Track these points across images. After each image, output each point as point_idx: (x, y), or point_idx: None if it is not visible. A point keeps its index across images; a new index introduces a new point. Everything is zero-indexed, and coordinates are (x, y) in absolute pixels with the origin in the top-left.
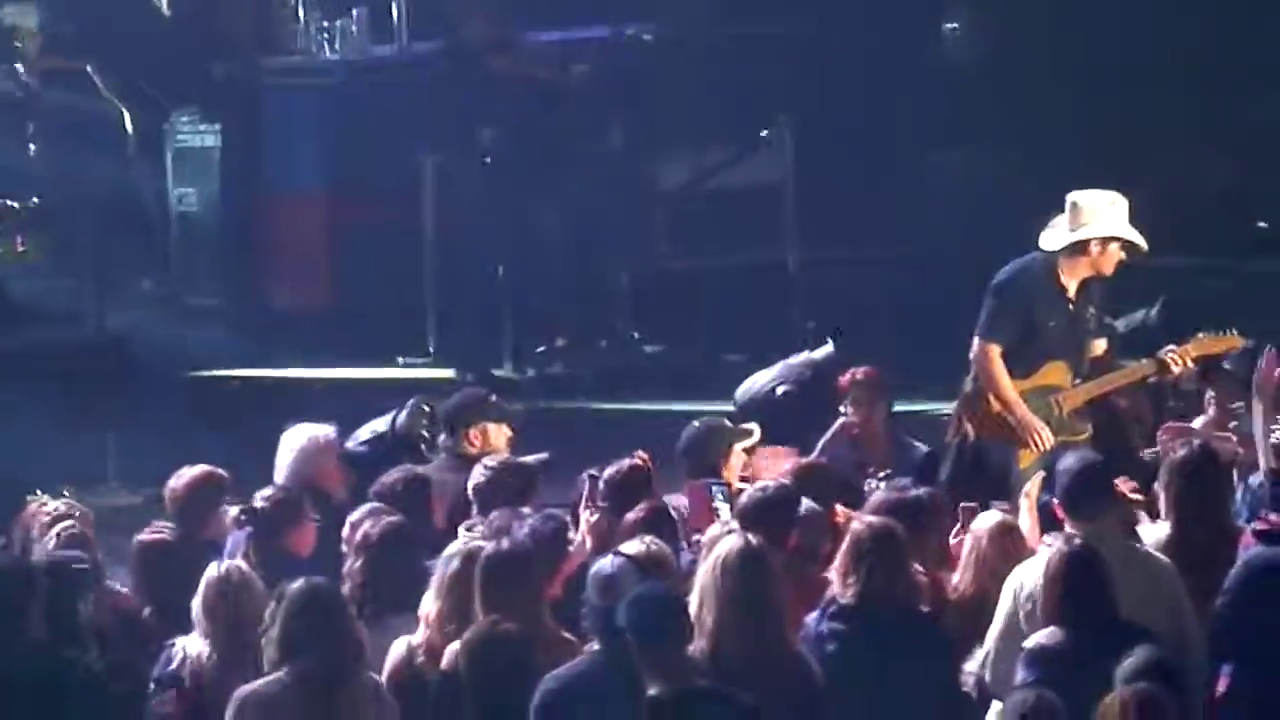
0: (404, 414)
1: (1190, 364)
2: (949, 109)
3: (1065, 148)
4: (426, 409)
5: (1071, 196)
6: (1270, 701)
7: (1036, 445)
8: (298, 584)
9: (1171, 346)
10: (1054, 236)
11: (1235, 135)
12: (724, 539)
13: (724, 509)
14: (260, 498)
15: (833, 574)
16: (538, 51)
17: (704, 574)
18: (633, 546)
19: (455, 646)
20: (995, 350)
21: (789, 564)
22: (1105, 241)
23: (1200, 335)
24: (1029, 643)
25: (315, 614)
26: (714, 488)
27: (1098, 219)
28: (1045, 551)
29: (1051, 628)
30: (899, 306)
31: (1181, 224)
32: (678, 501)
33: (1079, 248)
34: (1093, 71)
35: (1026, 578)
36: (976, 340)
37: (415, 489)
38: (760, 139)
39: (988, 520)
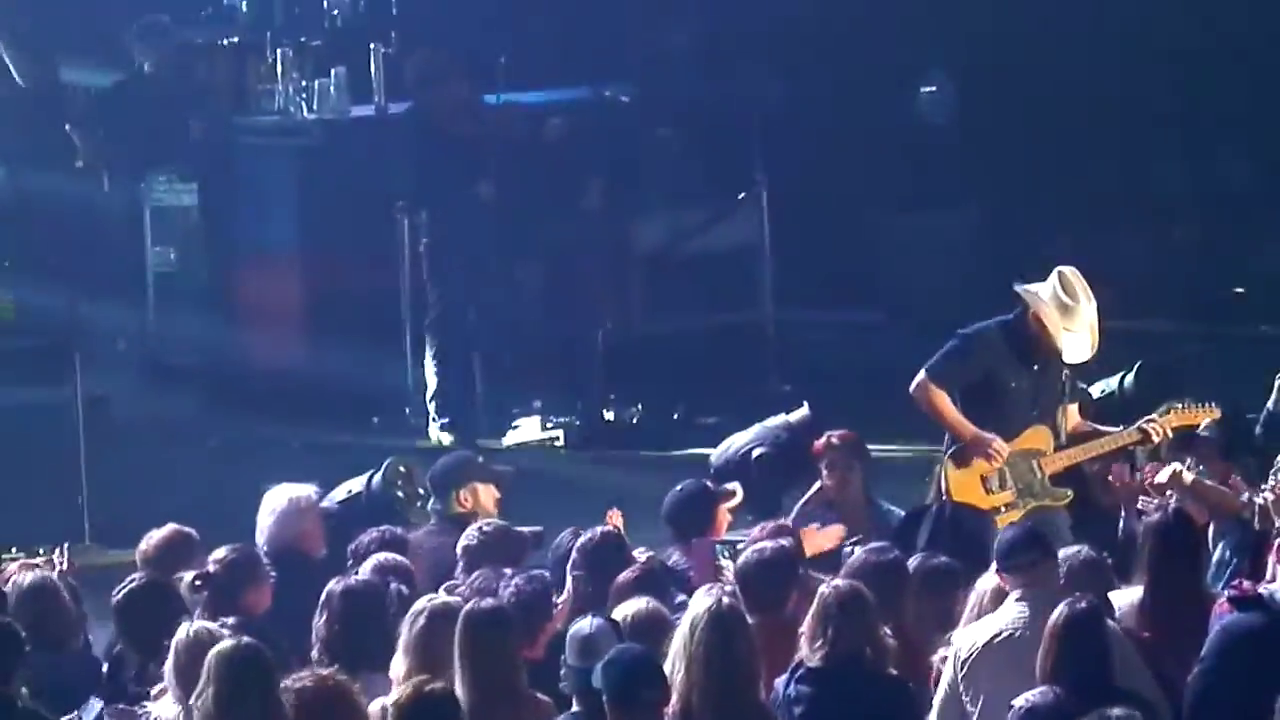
0: (380, 474)
1: (1170, 434)
2: (925, 171)
3: (1041, 211)
4: (403, 470)
5: (1060, 274)
6: None
7: (995, 457)
8: (222, 645)
9: (1153, 416)
10: (1029, 297)
11: (1210, 199)
12: (698, 599)
13: (729, 568)
14: (213, 561)
15: (801, 637)
16: (508, 113)
17: (677, 634)
18: (632, 606)
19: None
20: (939, 391)
21: (787, 626)
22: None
23: (1180, 406)
24: (1019, 700)
25: (237, 675)
26: (718, 547)
27: (1063, 326)
28: (988, 618)
29: (1044, 687)
30: (875, 368)
31: (1158, 287)
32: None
33: (1037, 329)
34: (1067, 134)
35: (964, 642)
36: (923, 375)
37: (390, 549)
38: (737, 201)
39: (991, 580)
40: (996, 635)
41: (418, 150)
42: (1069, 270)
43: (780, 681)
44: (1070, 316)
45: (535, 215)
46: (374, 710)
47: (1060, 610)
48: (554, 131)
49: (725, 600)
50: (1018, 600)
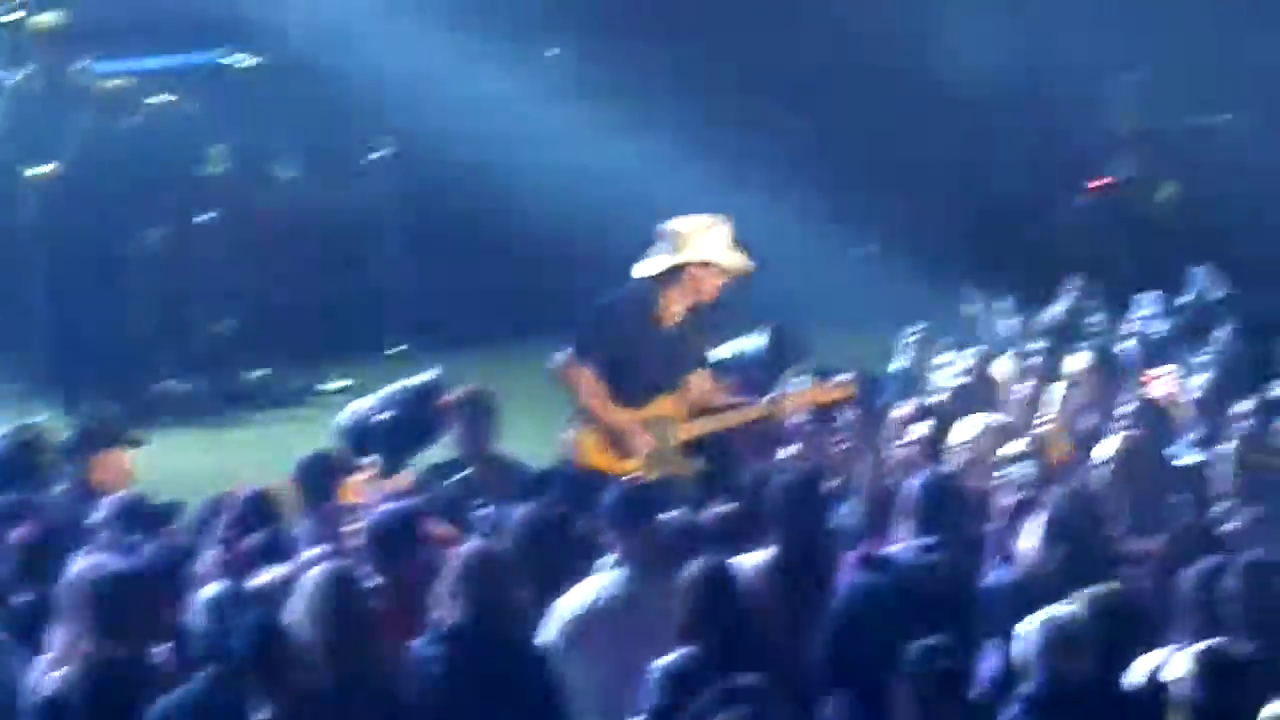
0: (6, 439)
1: (800, 411)
2: (550, 133)
3: (688, 170)
4: (29, 436)
5: (668, 225)
6: None
7: (637, 449)
8: None
9: (789, 390)
10: (651, 264)
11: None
12: (315, 565)
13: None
14: None
15: (439, 597)
16: (128, 82)
17: (297, 597)
18: (269, 573)
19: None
20: (581, 369)
21: (410, 587)
22: (703, 266)
23: (816, 382)
24: (658, 664)
25: None
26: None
27: (694, 244)
28: (582, 585)
29: (681, 649)
30: (508, 328)
31: (783, 248)
32: None
33: (676, 274)
34: (715, 86)
35: (561, 611)
36: (566, 356)
37: (14, 517)
38: (365, 162)
39: None
40: (595, 602)
41: (42, 117)
42: (671, 223)
43: (417, 642)
44: (690, 234)
45: (159, 183)
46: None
47: (693, 568)
48: (179, 97)
49: (341, 562)
50: (616, 564)
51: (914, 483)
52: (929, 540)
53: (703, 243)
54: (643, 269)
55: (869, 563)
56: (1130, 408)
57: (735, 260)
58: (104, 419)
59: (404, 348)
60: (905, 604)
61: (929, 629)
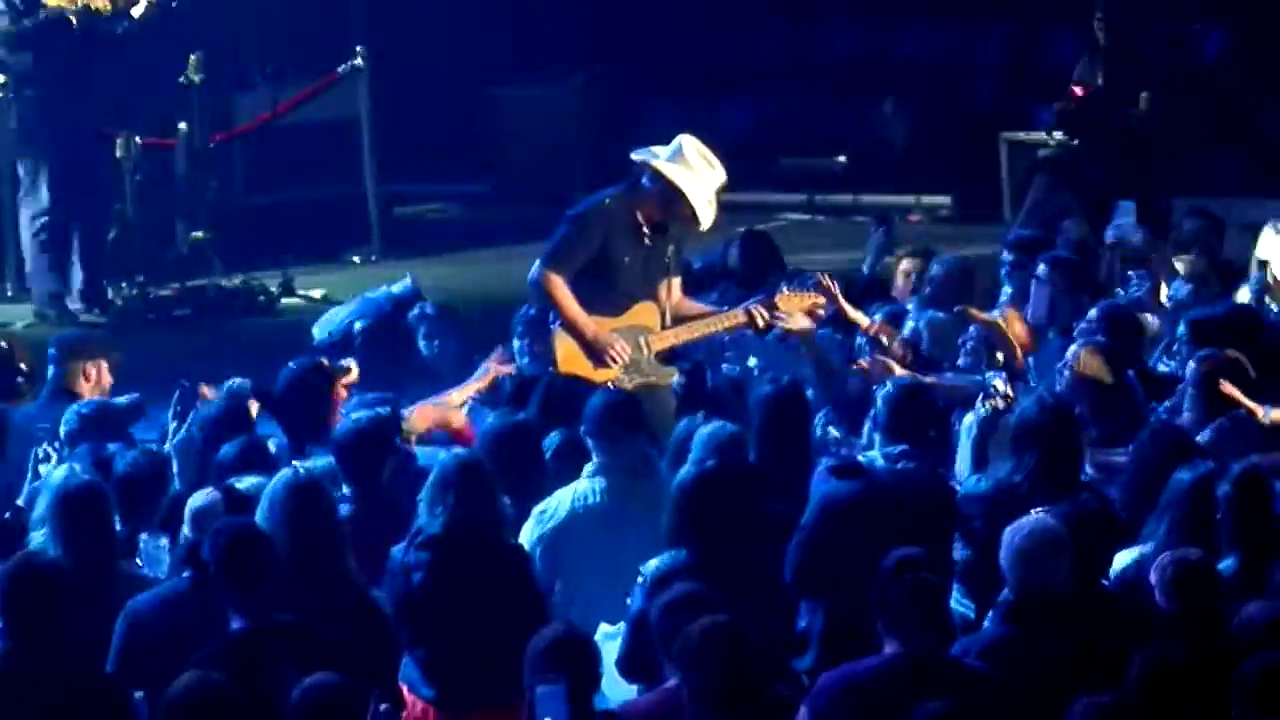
0: None
1: (774, 318)
2: (530, 40)
3: (644, 80)
4: (4, 345)
5: (685, 140)
6: (845, 637)
7: (615, 360)
8: None
9: (761, 297)
10: (666, 166)
11: (810, 67)
12: (282, 473)
13: None
14: None
15: (420, 505)
16: None
17: (259, 508)
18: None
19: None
20: (558, 279)
21: (383, 496)
22: (687, 205)
23: (785, 290)
24: (647, 567)
25: None
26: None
27: (694, 182)
28: (562, 492)
29: (671, 551)
30: (480, 237)
31: (759, 157)
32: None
33: (666, 193)
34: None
35: (539, 517)
36: (539, 266)
37: None
38: (338, 72)
39: None
40: (574, 509)
41: (19, 26)
42: (690, 139)
43: (398, 549)
44: (697, 183)
45: (135, 90)
46: None
47: (688, 471)
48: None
49: (303, 470)
50: (594, 473)
51: (881, 392)
52: (897, 448)
53: (700, 186)
54: (642, 155)
55: (841, 471)
56: (1098, 314)
57: (708, 215)
58: (87, 332)
59: (374, 257)
60: (878, 512)
61: (903, 538)
